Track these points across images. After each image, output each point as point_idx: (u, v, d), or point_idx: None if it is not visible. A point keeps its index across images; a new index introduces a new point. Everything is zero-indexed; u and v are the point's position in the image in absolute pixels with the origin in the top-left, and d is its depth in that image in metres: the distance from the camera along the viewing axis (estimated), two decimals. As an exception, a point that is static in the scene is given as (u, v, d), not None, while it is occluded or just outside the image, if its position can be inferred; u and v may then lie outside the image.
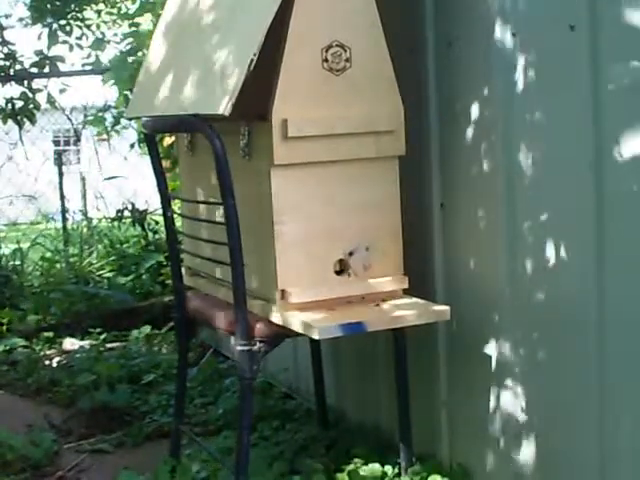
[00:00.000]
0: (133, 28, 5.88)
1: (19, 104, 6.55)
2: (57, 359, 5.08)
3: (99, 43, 7.20)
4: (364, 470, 3.13)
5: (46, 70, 6.70)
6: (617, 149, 2.31)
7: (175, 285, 3.35)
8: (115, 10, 7.53)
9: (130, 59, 5.38)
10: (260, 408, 3.91)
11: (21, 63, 6.70)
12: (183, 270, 3.35)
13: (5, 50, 6.67)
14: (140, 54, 5.30)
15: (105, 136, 7.83)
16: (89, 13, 7.25)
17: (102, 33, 7.53)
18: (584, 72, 2.38)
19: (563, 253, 2.51)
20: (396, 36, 2.84)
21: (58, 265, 6.89)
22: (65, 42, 6.86)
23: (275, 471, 3.23)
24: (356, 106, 2.78)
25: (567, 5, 2.44)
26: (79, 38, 6.98)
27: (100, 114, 7.86)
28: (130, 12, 6.61)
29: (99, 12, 7.49)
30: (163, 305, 5.62)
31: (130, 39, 5.66)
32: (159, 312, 5.60)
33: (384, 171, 2.86)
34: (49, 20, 6.73)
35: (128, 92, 5.34)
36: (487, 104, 2.77)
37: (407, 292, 2.90)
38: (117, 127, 7.73)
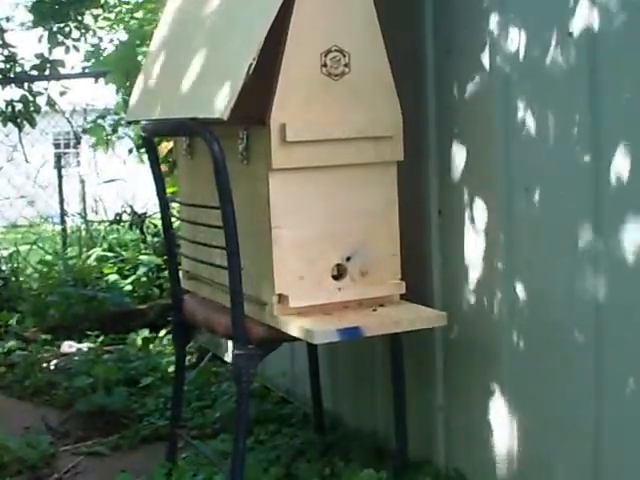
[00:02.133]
0: (133, 22, 5.89)
1: (19, 107, 6.55)
2: (55, 362, 5.07)
3: (96, 50, 7.21)
4: (360, 475, 3.12)
5: (46, 73, 6.71)
6: (616, 154, 2.31)
7: (173, 288, 3.35)
8: (112, 15, 7.55)
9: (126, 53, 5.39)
10: (257, 412, 3.91)
11: (21, 66, 6.71)
12: (181, 274, 3.35)
13: (5, 52, 6.68)
14: (139, 47, 5.31)
15: (102, 148, 7.85)
16: (87, 18, 7.26)
17: (99, 38, 7.54)
18: (583, 78, 2.38)
19: (561, 259, 2.52)
20: (395, 42, 2.84)
21: (57, 268, 6.89)
22: (63, 44, 6.86)
23: (271, 475, 3.23)
24: (354, 111, 2.78)
25: (565, 11, 2.44)
26: (76, 40, 6.99)
27: (100, 120, 7.87)
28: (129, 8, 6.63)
29: (96, 17, 7.50)
30: (161, 308, 5.62)
31: (128, 33, 5.67)
32: (157, 315, 5.61)
33: (382, 176, 2.86)
34: (50, 23, 6.74)
35: (127, 97, 5.35)
36: (485, 110, 2.77)
37: (404, 297, 2.91)
38: (114, 137, 7.74)
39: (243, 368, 2.78)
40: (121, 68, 5.33)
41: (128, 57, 5.33)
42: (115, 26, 7.68)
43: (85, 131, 8.11)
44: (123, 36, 6.59)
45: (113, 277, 6.69)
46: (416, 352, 3.09)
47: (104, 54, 7.37)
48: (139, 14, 5.81)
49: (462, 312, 2.94)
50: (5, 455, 3.66)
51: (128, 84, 5.32)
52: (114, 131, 7.61)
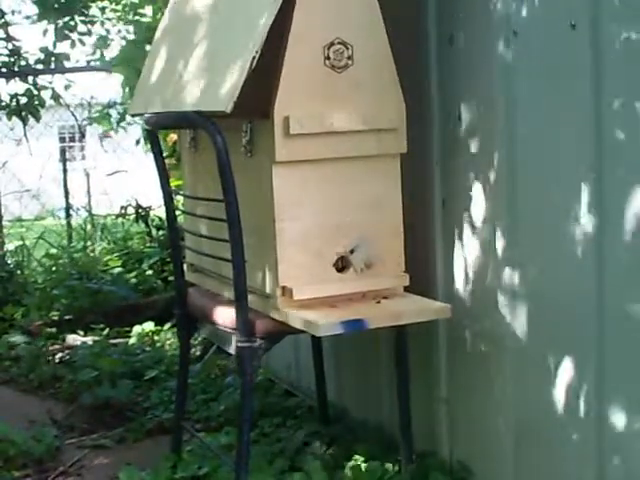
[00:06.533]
0: (137, 17, 5.89)
1: (24, 100, 6.56)
2: (60, 355, 5.09)
3: (104, 40, 7.22)
4: (364, 467, 3.13)
5: (51, 66, 6.72)
6: (618, 148, 2.31)
7: (177, 281, 3.35)
8: (119, 7, 7.55)
9: (135, 49, 5.39)
10: (262, 405, 3.91)
11: (26, 59, 6.71)
12: (185, 267, 3.35)
13: (10, 46, 6.68)
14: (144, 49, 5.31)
15: (112, 133, 7.86)
16: (93, 10, 7.26)
17: (106, 30, 7.54)
18: (585, 70, 2.38)
19: (563, 251, 2.51)
20: (398, 33, 2.84)
21: (62, 261, 6.90)
22: (68, 38, 6.87)
23: (276, 468, 3.23)
24: (358, 103, 2.78)
25: (568, 3, 2.44)
26: (82, 34, 6.99)
27: (105, 110, 7.88)
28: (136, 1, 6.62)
29: (103, 9, 7.51)
30: (166, 301, 5.62)
31: (135, 30, 5.67)
32: (162, 308, 5.60)
33: (386, 168, 2.86)
34: (55, 17, 6.74)
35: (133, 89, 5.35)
36: (488, 101, 2.77)
37: (408, 289, 2.91)
38: (123, 123, 7.75)
39: (247, 361, 2.78)
40: (129, 63, 5.33)
41: (135, 52, 5.33)
42: (122, 18, 7.67)
43: (92, 121, 8.12)
44: (130, 28, 6.60)
45: (118, 270, 6.69)
46: (420, 344, 3.09)
47: (111, 46, 7.39)
48: (147, 10, 5.81)
49: (466, 304, 2.94)
50: (10, 449, 3.66)
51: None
52: (121, 119, 7.62)
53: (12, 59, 6.67)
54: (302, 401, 4.00)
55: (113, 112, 7.97)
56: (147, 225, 6.86)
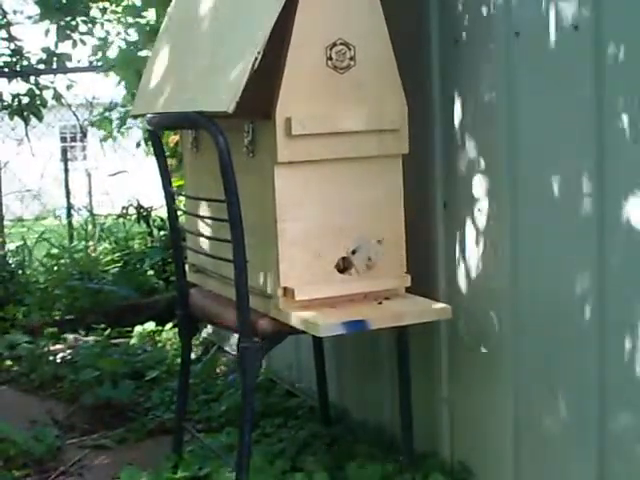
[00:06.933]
0: (138, 19, 5.87)
1: (25, 100, 6.56)
2: (61, 355, 5.08)
3: (104, 42, 7.22)
4: (366, 468, 3.13)
5: (53, 66, 6.72)
6: (619, 149, 2.31)
7: (178, 282, 3.35)
8: (120, 8, 7.53)
9: (135, 51, 5.38)
10: (263, 405, 3.91)
11: (28, 59, 6.71)
12: (187, 267, 3.35)
13: (12, 46, 6.68)
14: (146, 50, 5.31)
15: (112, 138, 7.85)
16: (94, 11, 7.25)
17: (106, 32, 7.53)
18: (587, 72, 2.38)
19: (564, 253, 2.52)
20: (400, 34, 2.84)
21: (63, 261, 6.90)
22: (70, 37, 6.87)
23: (277, 468, 3.23)
24: (360, 104, 2.78)
25: (571, 5, 2.44)
26: (83, 34, 6.99)
27: (107, 113, 7.87)
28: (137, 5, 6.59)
29: (104, 10, 7.49)
30: (167, 302, 5.62)
31: (136, 33, 5.66)
32: (163, 308, 5.61)
33: (388, 169, 2.86)
34: (57, 17, 6.74)
35: (135, 90, 5.34)
36: (491, 103, 2.77)
37: (409, 290, 2.91)
38: (123, 128, 7.74)
39: (248, 361, 2.78)
40: (129, 65, 5.33)
41: (135, 54, 5.33)
42: (122, 20, 7.66)
43: (93, 124, 8.12)
44: (130, 30, 6.59)
45: (119, 270, 6.68)
46: (421, 345, 3.09)
47: (111, 47, 7.37)
48: (148, 12, 5.79)
49: (467, 305, 2.94)
50: (11, 448, 3.67)
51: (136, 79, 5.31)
52: (122, 123, 7.61)
53: (14, 59, 6.67)
54: (303, 401, 4.00)
55: (114, 114, 7.97)
56: (148, 225, 6.85)
